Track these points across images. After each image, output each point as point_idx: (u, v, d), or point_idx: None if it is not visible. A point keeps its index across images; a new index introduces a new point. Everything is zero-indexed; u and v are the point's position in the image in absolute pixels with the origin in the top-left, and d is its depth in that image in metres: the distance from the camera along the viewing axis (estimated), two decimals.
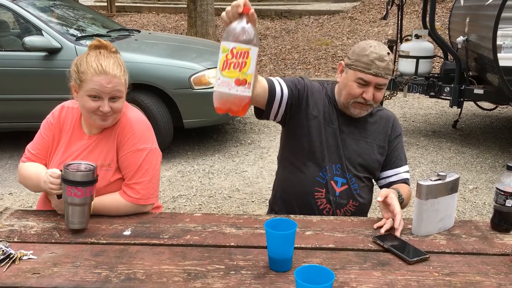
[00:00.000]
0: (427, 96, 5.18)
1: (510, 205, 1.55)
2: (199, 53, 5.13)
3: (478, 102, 5.41)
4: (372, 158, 1.90)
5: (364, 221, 1.69)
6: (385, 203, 1.65)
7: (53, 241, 1.54)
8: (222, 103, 1.33)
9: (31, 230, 1.61)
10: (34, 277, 1.33)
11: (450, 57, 5.41)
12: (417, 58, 5.13)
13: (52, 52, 4.38)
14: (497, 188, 1.57)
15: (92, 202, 1.63)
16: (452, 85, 4.84)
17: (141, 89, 4.29)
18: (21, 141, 3.28)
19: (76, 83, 1.72)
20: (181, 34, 9.85)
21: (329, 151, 1.86)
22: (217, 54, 4.67)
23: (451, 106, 4.99)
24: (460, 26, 5.21)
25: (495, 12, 4.06)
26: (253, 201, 3.75)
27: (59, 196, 1.63)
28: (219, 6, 11.14)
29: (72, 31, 4.87)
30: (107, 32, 5.16)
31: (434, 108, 6.31)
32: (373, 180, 1.99)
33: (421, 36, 5.22)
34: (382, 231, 1.58)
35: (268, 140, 5.09)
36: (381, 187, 1.97)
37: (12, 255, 1.42)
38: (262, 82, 1.76)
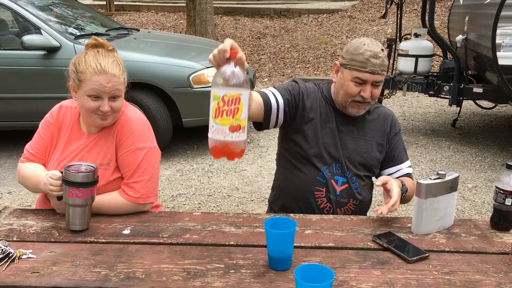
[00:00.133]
0: (426, 95, 5.19)
1: (510, 204, 1.55)
2: (198, 52, 5.13)
3: (477, 101, 5.42)
4: (371, 156, 1.90)
5: (363, 220, 1.69)
6: (386, 189, 1.66)
7: (52, 240, 1.54)
8: (218, 149, 1.34)
9: (30, 229, 1.61)
10: (33, 276, 1.32)
11: (449, 56, 5.41)
12: (416, 57, 5.14)
13: (51, 51, 4.37)
14: (497, 187, 1.57)
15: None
16: (451, 84, 4.84)
17: (140, 88, 4.29)
18: (20, 140, 3.27)
19: (75, 83, 1.71)
20: (180, 33, 9.84)
21: (328, 151, 1.85)
22: None
23: (450, 105, 5.00)
24: (459, 25, 5.21)
25: (494, 10, 4.05)
26: (252, 200, 3.75)
27: (60, 198, 1.63)
28: (218, 5, 11.15)
29: (71, 30, 4.87)
30: (106, 31, 5.16)
31: (433, 107, 6.31)
32: (372, 178, 1.98)
33: (420, 35, 5.22)
34: (379, 212, 1.60)
35: (267, 139, 5.09)
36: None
37: (11, 254, 1.41)
38: (257, 99, 1.76)
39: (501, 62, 4.11)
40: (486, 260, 1.43)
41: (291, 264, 1.37)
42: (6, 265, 1.37)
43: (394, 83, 5.17)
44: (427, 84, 4.99)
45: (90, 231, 1.59)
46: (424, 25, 5.45)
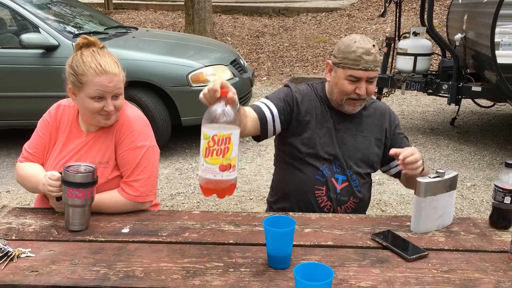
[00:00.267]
0: (425, 93, 5.19)
1: (509, 202, 1.55)
2: (197, 51, 5.12)
3: (476, 100, 5.42)
4: (370, 152, 1.90)
5: (363, 219, 1.69)
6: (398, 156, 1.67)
7: (51, 238, 1.53)
8: (209, 188, 1.35)
9: (29, 228, 1.60)
10: (32, 275, 1.32)
11: (448, 54, 5.42)
12: (415, 55, 5.13)
13: (49, 49, 4.36)
14: (496, 185, 1.57)
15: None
16: (450, 83, 4.84)
17: (139, 87, 4.28)
18: (19, 139, 3.27)
19: (75, 86, 1.69)
20: (179, 31, 9.83)
21: (326, 151, 1.85)
22: (215, 51, 4.72)
23: (449, 104, 5.00)
24: (458, 24, 5.21)
25: (493, 9, 4.06)
26: (251, 199, 3.75)
27: (59, 198, 1.63)
28: (216, 3, 11.13)
29: (69, 28, 4.86)
30: (104, 30, 5.15)
31: (432, 105, 6.32)
32: (371, 175, 1.99)
33: (419, 34, 5.22)
34: (393, 151, 1.66)
35: None
36: (394, 175, 2.00)
37: (10, 253, 1.41)
38: (251, 114, 1.76)
39: (499, 60, 4.11)
40: (485, 258, 1.43)
41: (290, 262, 1.37)
42: (5, 264, 1.37)
43: (393, 81, 5.17)
44: (426, 82, 4.99)
45: (89, 229, 1.59)
46: (423, 24, 5.45)
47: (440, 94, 5.02)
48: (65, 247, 1.48)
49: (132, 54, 4.48)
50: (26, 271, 1.34)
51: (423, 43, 5.21)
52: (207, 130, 1.30)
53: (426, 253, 1.44)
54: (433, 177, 1.55)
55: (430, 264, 1.39)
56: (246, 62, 6.23)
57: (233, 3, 12.03)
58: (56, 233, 1.57)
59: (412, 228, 1.59)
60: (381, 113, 1.95)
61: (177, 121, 4.50)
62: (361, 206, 1.91)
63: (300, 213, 1.74)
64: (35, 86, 4.38)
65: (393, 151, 1.69)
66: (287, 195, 1.93)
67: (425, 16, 5.11)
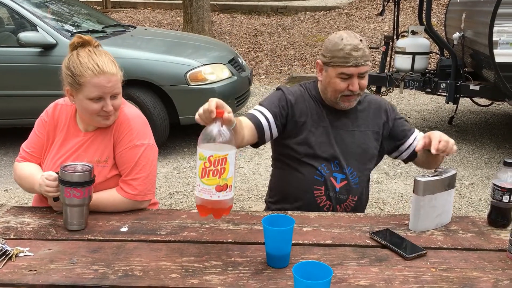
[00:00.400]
0: (423, 92, 5.20)
1: (507, 201, 1.55)
2: (195, 49, 5.12)
3: (474, 98, 5.43)
4: (369, 146, 1.91)
5: (361, 217, 1.69)
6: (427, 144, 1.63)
7: (49, 237, 1.53)
8: (205, 208, 1.35)
9: (27, 227, 1.60)
10: (31, 274, 1.32)
11: (446, 53, 5.42)
12: (413, 54, 5.14)
13: (47, 48, 4.35)
14: (494, 184, 1.57)
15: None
16: (448, 81, 4.85)
17: (137, 86, 4.28)
18: (17, 137, 3.26)
19: (73, 88, 1.67)
20: (177, 30, 9.82)
21: (323, 151, 1.85)
22: (213, 50, 4.71)
23: (447, 102, 5.01)
24: (456, 22, 5.22)
25: (491, 8, 4.06)
26: (249, 198, 3.75)
27: (56, 199, 1.62)
28: (215, 2, 11.12)
29: (67, 27, 4.85)
30: (102, 28, 5.14)
31: (430, 104, 6.32)
32: (370, 174, 1.99)
33: (417, 32, 5.23)
34: (420, 146, 1.62)
35: None
36: (406, 160, 1.99)
37: (8, 252, 1.41)
38: (248, 124, 1.76)
39: (498, 59, 4.12)
40: (484, 257, 1.43)
41: (289, 261, 1.37)
42: (3, 263, 1.37)
43: (391, 80, 5.17)
44: (424, 81, 5.00)
45: (87, 228, 1.58)
46: (421, 23, 5.45)
47: (438, 93, 5.02)
48: (64, 246, 1.47)
49: (130, 53, 4.48)
50: (25, 270, 1.34)
51: (421, 42, 5.21)
52: (203, 151, 1.30)
53: (425, 251, 1.44)
54: (432, 176, 1.55)
55: (428, 263, 1.39)
56: (245, 60, 6.22)
57: (231, 1, 12.02)
58: (55, 232, 1.57)
59: (411, 226, 1.59)
60: (376, 105, 1.95)
61: (175, 120, 4.50)
62: (359, 203, 1.92)
63: (299, 211, 1.74)
64: (33, 85, 4.37)
65: (420, 146, 1.63)
66: (285, 196, 1.93)
67: (424, 15, 5.11)
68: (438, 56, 5.67)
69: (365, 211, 2.02)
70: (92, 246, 1.48)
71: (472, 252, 1.46)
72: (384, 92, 5.35)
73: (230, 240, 1.51)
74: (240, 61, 5.27)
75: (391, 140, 1.96)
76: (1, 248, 1.42)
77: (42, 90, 4.24)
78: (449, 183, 1.59)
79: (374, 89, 5.37)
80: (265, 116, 1.81)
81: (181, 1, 9.55)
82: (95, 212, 1.67)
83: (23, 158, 1.83)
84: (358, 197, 1.89)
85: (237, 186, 3.94)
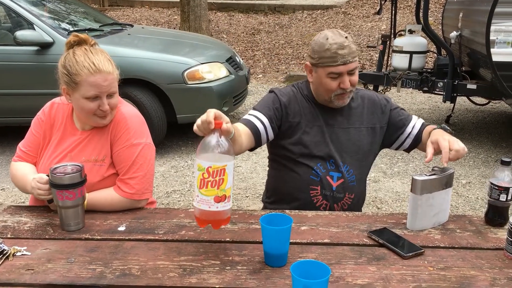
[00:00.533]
0: (421, 91, 5.20)
1: (504, 200, 1.56)
2: (192, 48, 5.11)
3: (471, 97, 5.44)
4: (363, 143, 1.91)
5: (359, 216, 1.70)
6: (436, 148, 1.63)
7: (47, 237, 1.53)
8: (204, 219, 1.36)
9: (24, 226, 1.60)
10: (28, 273, 1.32)
11: (443, 52, 5.43)
12: (411, 53, 5.15)
13: (44, 46, 4.34)
14: (491, 183, 1.57)
15: (85, 201, 1.62)
16: (445, 80, 4.86)
17: (134, 84, 4.27)
18: (13, 136, 3.26)
19: (69, 87, 1.67)
20: (174, 28, 9.80)
21: (319, 150, 1.86)
22: (211, 49, 4.70)
23: (444, 101, 5.02)
24: (454, 21, 5.23)
25: (488, 7, 4.07)
26: (247, 196, 3.75)
27: (50, 201, 1.62)
28: (212, 1, 11.10)
29: (64, 25, 4.83)
30: (99, 27, 5.12)
31: (427, 103, 6.33)
32: (368, 173, 1.99)
33: (414, 31, 5.23)
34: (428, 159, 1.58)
35: None
36: (409, 149, 1.97)
37: (5, 251, 1.40)
38: (245, 130, 1.76)
39: (495, 58, 4.13)
40: (481, 255, 1.43)
41: (287, 260, 1.37)
42: (0, 263, 1.36)
43: (388, 79, 5.18)
44: (421, 80, 5.01)
45: (85, 228, 1.58)
46: (418, 22, 5.46)
47: (436, 92, 5.03)
48: (61, 245, 1.47)
49: (128, 51, 4.47)
50: (22, 269, 1.34)
51: (419, 41, 5.22)
52: (201, 162, 1.30)
53: (422, 250, 1.44)
54: (429, 175, 1.56)
55: (426, 262, 1.39)
56: (242, 59, 6.22)
57: (229, 0, 12.00)
58: (52, 231, 1.56)
59: (408, 225, 1.60)
60: (370, 101, 1.95)
61: (172, 119, 4.50)
62: (356, 201, 1.92)
63: (297, 210, 1.74)
64: (30, 83, 4.36)
65: (429, 156, 1.60)
66: (282, 196, 1.94)
67: (421, 14, 5.12)
68: (435, 55, 5.68)
69: (363, 210, 2.02)
70: (90, 245, 1.47)
71: (470, 251, 1.46)
72: (381, 91, 5.35)
73: (228, 239, 1.51)
74: (238, 60, 5.27)
75: (390, 131, 1.96)
76: None
77: (39, 88, 4.23)
78: (447, 182, 1.59)
79: (371, 88, 5.38)
80: (260, 120, 1.82)
81: (178, 0, 9.54)
82: (92, 211, 1.67)
83: (20, 157, 1.83)
84: (355, 195, 1.89)
85: (234, 184, 3.94)
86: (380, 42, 5.55)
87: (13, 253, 1.41)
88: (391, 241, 1.49)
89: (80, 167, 1.57)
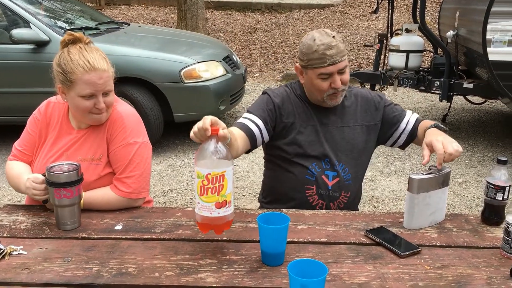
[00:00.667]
0: (417, 90, 5.21)
1: (501, 199, 1.56)
2: (189, 47, 5.10)
3: (467, 96, 5.45)
4: (358, 141, 1.91)
5: (356, 215, 1.70)
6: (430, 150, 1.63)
7: (43, 236, 1.52)
8: (206, 225, 1.36)
9: (20, 225, 1.59)
10: (24, 273, 1.31)
11: (440, 51, 5.44)
12: (407, 52, 5.15)
13: (40, 44, 4.33)
14: (488, 182, 1.58)
15: (82, 200, 1.61)
16: (441, 79, 4.86)
17: (131, 83, 4.26)
18: (9, 135, 3.24)
19: (65, 85, 1.66)
20: (171, 27, 9.78)
21: (313, 149, 1.86)
22: (208, 47, 4.69)
23: (441, 100, 5.03)
24: (450, 21, 5.23)
25: (485, 6, 4.08)
26: (244, 195, 3.75)
27: (45, 201, 1.61)
28: (209, 0, 11.09)
29: (60, 23, 4.82)
30: (96, 25, 5.11)
31: (424, 102, 6.34)
32: (364, 171, 1.99)
33: (411, 30, 5.24)
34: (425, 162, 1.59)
35: None
36: (404, 145, 1.97)
37: (1, 251, 1.40)
38: (240, 134, 1.76)
39: (491, 57, 4.14)
40: (477, 254, 1.44)
41: (284, 259, 1.37)
42: None
43: (385, 78, 5.19)
44: (418, 79, 5.01)
45: (81, 227, 1.58)
46: (415, 21, 5.47)
47: (432, 91, 5.04)
48: (58, 245, 1.47)
49: (124, 50, 4.46)
50: (18, 268, 1.33)
51: (415, 40, 5.23)
52: (200, 169, 1.30)
53: (419, 249, 1.44)
54: (426, 174, 1.56)
55: (423, 260, 1.40)
56: (239, 58, 6.21)
57: None
58: (48, 230, 1.56)
59: (405, 224, 1.60)
60: (363, 99, 1.95)
61: (169, 118, 4.49)
62: (352, 199, 1.92)
63: (294, 209, 1.74)
64: (26, 82, 4.35)
65: (426, 159, 1.60)
66: (278, 196, 1.94)
67: (418, 13, 5.13)
68: (432, 54, 5.69)
69: (359, 209, 2.03)
70: (86, 244, 1.47)
71: (466, 250, 1.46)
72: (378, 90, 5.36)
73: (225, 238, 1.51)
74: (235, 59, 5.26)
75: (385, 128, 1.96)
76: None
77: (35, 87, 4.21)
78: (443, 181, 1.60)
79: (368, 86, 5.38)
80: (255, 123, 1.82)
81: None
82: (89, 210, 1.66)
83: (15, 156, 1.82)
84: (350, 193, 1.89)
85: None
86: (376, 41, 5.55)
87: (9, 252, 1.40)
88: (388, 240, 1.49)
89: (76, 166, 1.56)
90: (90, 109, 1.67)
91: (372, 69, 5.67)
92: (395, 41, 5.27)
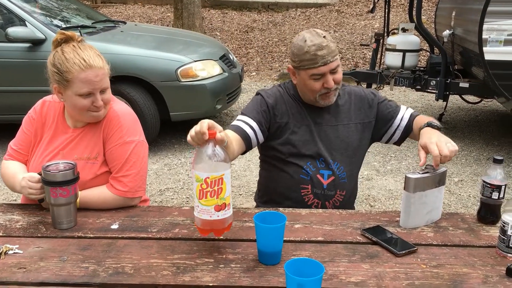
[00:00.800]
0: (413, 89, 5.23)
1: (496, 198, 1.57)
2: (185, 45, 5.10)
3: (463, 96, 5.47)
4: (353, 139, 1.91)
5: (352, 214, 1.70)
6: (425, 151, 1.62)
7: (39, 235, 1.52)
8: (205, 228, 1.37)
9: (16, 224, 1.58)
10: (20, 272, 1.31)
11: (436, 50, 5.45)
12: (404, 51, 5.17)
13: (36, 43, 4.31)
14: (484, 181, 1.58)
15: (78, 199, 1.61)
16: (438, 79, 4.88)
17: (127, 82, 4.25)
18: (4, 134, 3.23)
19: (61, 85, 1.66)
20: (167, 26, 9.76)
21: (307, 149, 1.86)
22: (204, 46, 4.68)
23: (437, 100, 5.04)
24: (446, 20, 5.25)
25: (481, 6, 4.09)
26: (240, 194, 3.75)
27: (41, 200, 1.61)
28: None
29: (56, 22, 4.80)
30: (92, 23, 5.09)
31: (420, 101, 6.36)
32: (360, 170, 1.99)
33: (407, 30, 5.25)
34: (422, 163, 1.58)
35: None
36: (399, 141, 1.97)
37: None
38: (235, 137, 1.75)
39: (487, 57, 4.15)
40: (473, 253, 1.44)
41: (280, 258, 1.37)
42: None
43: (381, 77, 5.20)
44: (414, 78, 5.03)
45: (77, 226, 1.57)
46: (411, 20, 5.48)
47: (428, 90, 5.05)
48: (54, 244, 1.46)
49: (121, 49, 4.44)
50: (14, 268, 1.33)
51: (412, 39, 5.24)
52: (199, 173, 1.30)
53: (415, 248, 1.45)
54: (423, 173, 1.56)
55: (419, 259, 1.40)
56: (235, 57, 6.21)
57: None
58: (44, 229, 1.55)
59: (401, 223, 1.60)
60: (357, 97, 1.95)
61: (166, 116, 4.48)
62: (348, 198, 1.92)
63: (290, 208, 1.74)
64: (21, 81, 4.33)
65: (422, 160, 1.60)
66: (274, 196, 1.94)
67: (414, 12, 5.14)
68: (428, 53, 5.70)
69: (356, 208, 2.03)
70: (82, 243, 1.47)
71: (462, 249, 1.47)
72: (375, 89, 5.37)
73: (221, 237, 1.51)
74: (231, 58, 5.26)
75: (379, 125, 1.96)
76: None
77: (30, 86, 4.20)
78: (440, 180, 1.60)
79: (364, 86, 5.39)
80: (249, 125, 1.81)
81: None
82: (85, 210, 1.66)
83: (11, 156, 1.81)
84: (346, 191, 1.90)
85: None
86: (373, 40, 5.56)
87: (5, 252, 1.40)
88: (384, 239, 1.49)
89: (72, 164, 1.56)
90: (88, 107, 1.67)
91: (368, 68, 5.68)
92: (391, 40, 5.28)
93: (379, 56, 5.50)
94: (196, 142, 1.33)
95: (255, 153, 4.54)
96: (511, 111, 4.61)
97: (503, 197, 1.57)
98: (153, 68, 4.37)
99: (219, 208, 1.33)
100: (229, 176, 1.34)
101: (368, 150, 2.08)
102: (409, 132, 1.93)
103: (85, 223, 1.59)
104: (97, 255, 1.39)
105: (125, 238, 1.50)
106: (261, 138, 1.85)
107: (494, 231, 1.57)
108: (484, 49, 4.14)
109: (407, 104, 6.21)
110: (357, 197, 2.08)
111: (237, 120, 1.84)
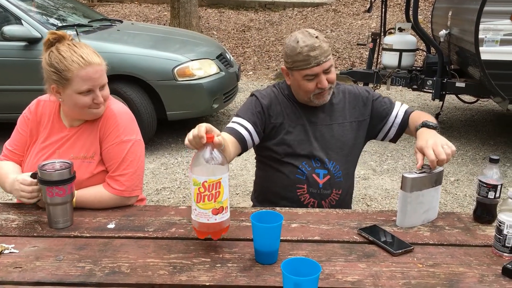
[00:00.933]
0: (410, 89, 5.24)
1: (493, 197, 1.57)
2: (182, 44, 5.09)
3: (459, 95, 5.48)
4: (348, 138, 1.91)
5: (349, 213, 1.70)
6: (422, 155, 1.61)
7: (35, 234, 1.51)
8: (203, 231, 1.37)
9: (12, 223, 1.58)
10: (16, 271, 1.30)
11: (432, 50, 5.46)
12: (400, 51, 5.17)
13: (32, 42, 4.30)
14: (480, 181, 1.58)
15: (74, 198, 1.60)
16: (434, 78, 4.89)
17: (124, 81, 4.25)
18: (0, 133, 3.21)
19: (60, 84, 1.65)
20: (164, 25, 9.75)
21: (302, 148, 1.86)
22: (201, 45, 4.68)
23: (433, 99, 5.05)
24: (443, 20, 5.26)
25: (477, 6, 4.10)
26: (237, 194, 3.75)
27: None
28: None
29: (52, 20, 4.79)
30: (88, 22, 5.08)
31: (417, 101, 6.37)
32: (356, 169, 1.99)
33: (404, 30, 5.26)
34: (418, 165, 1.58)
35: None
36: (395, 138, 1.98)
37: None
38: (231, 139, 1.75)
39: (483, 57, 4.16)
40: (470, 252, 1.44)
41: (277, 257, 1.37)
42: None
43: (378, 77, 5.20)
44: (411, 78, 5.03)
45: (74, 225, 1.57)
46: (408, 20, 5.48)
47: (425, 90, 5.07)
48: (50, 243, 1.46)
49: (117, 48, 4.44)
50: (10, 267, 1.32)
51: (408, 39, 5.25)
52: (196, 177, 1.30)
53: (412, 247, 1.45)
54: (419, 173, 1.56)
55: (415, 259, 1.40)
56: (232, 56, 6.21)
57: None
58: (40, 228, 1.55)
59: (398, 223, 1.60)
60: (351, 95, 1.95)
61: (162, 116, 4.48)
62: (344, 197, 1.92)
63: (287, 208, 1.74)
64: (17, 79, 4.32)
65: (420, 163, 1.59)
66: (270, 196, 1.94)
67: (411, 12, 5.14)
68: (425, 53, 5.71)
69: (352, 207, 2.03)
70: (79, 243, 1.46)
71: (458, 248, 1.47)
72: (372, 89, 5.38)
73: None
74: (228, 57, 5.26)
75: (374, 122, 1.96)
76: None
77: (26, 84, 4.18)
78: (436, 180, 1.60)
79: (361, 85, 5.40)
80: (244, 127, 1.81)
81: None
82: (81, 209, 1.65)
83: (6, 156, 1.81)
84: (342, 190, 1.90)
85: None
86: (370, 40, 5.57)
87: (1, 251, 1.39)
88: (380, 238, 1.49)
89: (69, 164, 1.55)
90: (89, 105, 1.66)
91: (365, 67, 5.69)
92: (388, 40, 5.29)
93: (375, 55, 5.51)
94: (194, 146, 1.33)
95: (251, 153, 4.53)
96: (507, 111, 4.62)
97: (499, 197, 1.58)
98: (150, 67, 4.36)
99: (216, 211, 1.33)
100: (227, 180, 1.34)
101: (365, 150, 2.09)
102: (404, 128, 1.93)
103: (82, 223, 1.59)
104: (93, 255, 1.39)
105: (122, 237, 1.50)
106: (256, 139, 1.85)
107: (490, 231, 1.57)
108: (481, 49, 4.15)
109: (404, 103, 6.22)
110: (353, 196, 2.09)
111: (232, 122, 1.84)
